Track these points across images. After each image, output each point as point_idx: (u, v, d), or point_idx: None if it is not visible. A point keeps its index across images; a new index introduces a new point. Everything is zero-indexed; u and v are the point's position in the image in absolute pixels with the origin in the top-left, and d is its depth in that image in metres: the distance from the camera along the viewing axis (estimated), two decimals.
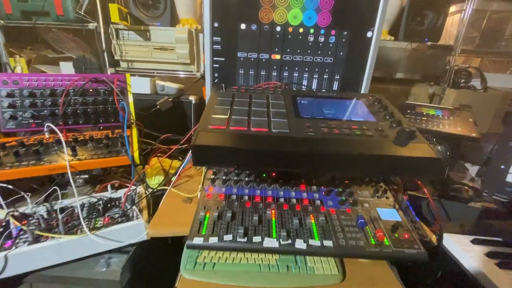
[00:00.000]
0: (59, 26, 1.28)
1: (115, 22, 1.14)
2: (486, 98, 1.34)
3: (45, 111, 0.81)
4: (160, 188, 0.78)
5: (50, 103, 0.81)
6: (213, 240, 0.52)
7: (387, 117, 0.59)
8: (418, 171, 0.49)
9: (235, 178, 0.67)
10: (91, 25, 1.24)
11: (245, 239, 0.53)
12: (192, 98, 1.18)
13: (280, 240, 0.53)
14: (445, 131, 0.95)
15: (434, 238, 0.64)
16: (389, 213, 0.62)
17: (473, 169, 1.11)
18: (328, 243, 0.53)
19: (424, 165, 0.48)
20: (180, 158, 0.99)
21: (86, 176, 0.97)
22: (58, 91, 0.82)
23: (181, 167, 0.76)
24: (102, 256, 0.69)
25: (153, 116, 1.12)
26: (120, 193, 0.79)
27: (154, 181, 0.89)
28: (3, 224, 0.65)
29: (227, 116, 0.54)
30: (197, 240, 0.52)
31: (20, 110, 0.78)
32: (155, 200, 0.79)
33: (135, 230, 0.69)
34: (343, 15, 0.76)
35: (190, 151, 0.45)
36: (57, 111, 0.81)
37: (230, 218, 0.56)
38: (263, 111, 0.57)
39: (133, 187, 0.78)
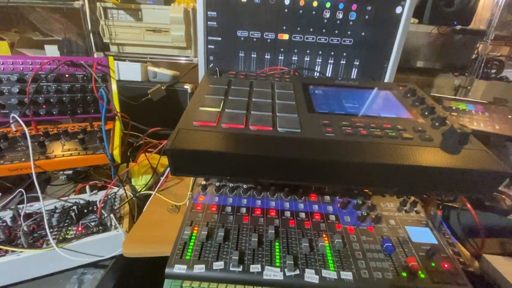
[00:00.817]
0: (42, 5, 1.15)
1: None
2: None
3: (13, 99, 0.69)
4: (145, 192, 0.67)
5: (18, 90, 0.69)
6: (199, 268, 0.41)
7: (426, 113, 0.46)
8: (474, 189, 0.36)
9: (231, 184, 0.55)
10: (76, 3, 1.10)
11: (240, 268, 0.41)
12: (187, 87, 1.05)
13: (286, 270, 0.41)
14: (480, 129, 0.81)
15: (476, 264, 0.52)
16: (421, 233, 0.50)
17: None
18: (347, 275, 0.41)
19: (484, 181, 0.35)
20: None
21: (70, 172, 0.86)
22: (27, 76, 0.70)
23: (168, 168, 0.64)
24: (75, 271, 0.59)
25: (145, 106, 1.00)
26: (101, 195, 0.68)
27: (142, 181, 0.78)
28: None
29: (219, 109, 0.42)
30: (179, 268, 0.41)
31: None
32: (142, 203, 0.68)
33: (113, 243, 0.58)
34: None
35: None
36: (26, 99, 0.69)
37: (222, 238, 0.44)
38: (266, 103, 0.44)
39: (112, 190, 0.67)
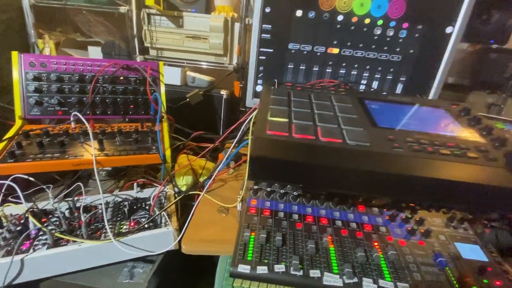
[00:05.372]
0: (90, 8, 1.22)
1: (149, 5, 1.06)
2: None
3: (73, 98, 0.74)
4: (192, 192, 0.70)
5: (78, 89, 0.74)
6: (262, 269, 0.43)
7: (484, 133, 0.47)
8: None
9: (282, 190, 0.58)
10: (123, 9, 1.16)
11: (301, 272, 0.43)
12: (223, 93, 1.09)
13: (344, 277, 0.43)
14: None
15: None
16: (471, 250, 0.51)
17: None
18: (404, 286, 0.43)
19: None
20: (208, 157, 0.90)
21: (109, 168, 0.90)
22: (87, 77, 0.75)
23: (217, 170, 0.67)
24: (125, 264, 0.62)
25: (181, 109, 1.04)
26: (146, 192, 0.71)
27: (182, 182, 0.81)
28: (22, 221, 0.59)
29: (287, 120, 0.44)
30: (243, 268, 0.43)
31: (46, 95, 0.72)
32: (182, 203, 0.71)
33: (164, 239, 0.61)
34: (419, 5, 0.63)
35: (249, 161, 0.35)
36: (84, 99, 0.74)
37: (281, 242, 0.46)
38: (330, 115, 0.47)
39: (155, 188, 0.70)
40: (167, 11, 1.14)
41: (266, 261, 0.44)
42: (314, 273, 0.43)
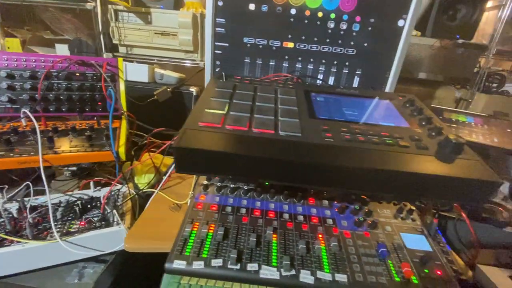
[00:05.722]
0: (56, 5, 1.19)
1: (114, 2, 1.04)
2: None
3: (24, 95, 0.72)
4: (147, 190, 0.68)
5: (29, 86, 0.72)
6: (198, 264, 0.42)
7: (423, 123, 0.47)
8: (466, 197, 0.38)
9: (232, 185, 0.57)
10: (89, 5, 1.14)
11: (238, 266, 0.42)
12: (193, 89, 1.08)
13: (282, 270, 0.42)
14: (478, 142, 0.82)
15: (470, 274, 0.52)
16: (416, 241, 0.51)
17: (503, 186, 0.99)
18: (342, 277, 0.42)
19: (477, 190, 0.36)
20: None
21: (74, 168, 0.88)
22: (39, 73, 0.72)
23: (172, 167, 0.66)
24: (75, 265, 0.60)
25: (150, 107, 1.02)
26: (105, 191, 0.70)
27: (144, 180, 0.79)
28: None
29: (224, 112, 0.44)
30: (178, 264, 0.42)
31: None
32: (143, 201, 0.70)
33: (114, 238, 0.59)
34: None
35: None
36: (37, 96, 0.72)
37: (222, 236, 0.46)
38: (269, 107, 0.46)
39: (117, 187, 0.69)
40: (134, 8, 1.12)
41: (204, 255, 0.44)
42: (252, 266, 0.43)
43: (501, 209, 0.78)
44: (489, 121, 0.89)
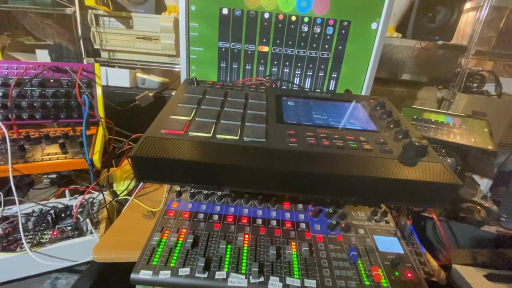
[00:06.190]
0: (34, 10, 1.17)
1: (92, 6, 1.03)
2: (501, 104, 1.22)
3: None
4: (124, 197, 0.67)
5: (1, 93, 0.70)
6: (165, 274, 0.41)
7: (392, 126, 0.47)
8: (428, 200, 0.38)
9: (206, 191, 0.56)
10: (68, 10, 1.12)
11: (206, 275, 0.42)
12: None
13: (250, 277, 0.42)
14: (456, 142, 0.83)
15: (443, 275, 0.53)
16: (388, 243, 0.51)
17: (482, 182, 1.00)
18: (311, 283, 0.42)
19: (438, 193, 0.36)
20: None
21: (54, 176, 0.86)
22: (11, 80, 0.71)
23: None
24: (48, 276, 0.59)
25: (133, 112, 1.01)
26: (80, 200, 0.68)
27: (123, 187, 0.78)
28: None
29: (189, 118, 0.43)
30: (144, 274, 0.41)
31: None
32: (122, 208, 0.68)
33: (88, 248, 0.58)
34: (343, 2, 0.64)
35: None
36: (9, 103, 0.70)
37: (191, 245, 0.45)
38: (237, 113, 0.46)
39: (92, 195, 0.67)
40: (115, 12, 1.11)
41: (172, 265, 0.43)
42: (220, 274, 0.42)
43: (479, 208, 0.79)
44: (467, 121, 0.90)
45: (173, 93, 1.07)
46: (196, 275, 0.42)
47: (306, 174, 0.36)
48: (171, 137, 0.38)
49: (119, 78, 1.06)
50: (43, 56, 1.21)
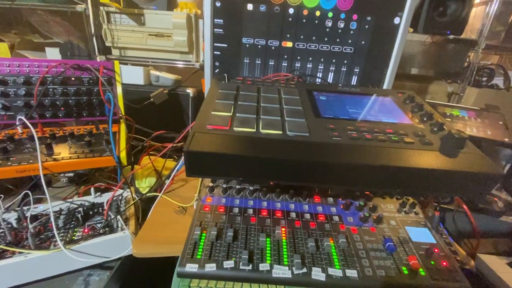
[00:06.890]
0: (45, 8, 1.16)
1: (105, 3, 1.02)
2: (510, 98, 1.24)
3: (18, 101, 0.70)
4: (150, 194, 0.68)
5: (24, 92, 0.70)
6: (211, 267, 0.42)
7: (425, 119, 0.48)
8: (470, 190, 0.39)
9: (237, 186, 0.57)
10: (79, 7, 1.11)
11: (250, 267, 0.43)
12: (189, 91, 1.07)
13: (294, 268, 0.43)
14: (473, 135, 0.84)
15: (472, 263, 0.54)
16: (420, 233, 0.52)
17: None
18: (352, 273, 0.43)
19: (480, 183, 0.37)
20: (176, 157, 0.88)
21: (71, 174, 0.86)
22: (33, 78, 0.71)
23: (175, 170, 0.65)
24: (81, 273, 0.59)
25: (146, 109, 1.01)
26: (106, 197, 0.69)
27: (145, 184, 0.79)
28: None
29: (231, 114, 0.44)
30: (190, 267, 0.42)
31: None
32: (145, 205, 0.69)
33: (120, 244, 0.59)
34: None
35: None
36: (32, 102, 0.70)
37: (231, 238, 0.46)
38: (275, 108, 0.46)
39: (119, 192, 0.68)
40: (127, 9, 1.10)
41: (215, 258, 0.44)
42: (264, 266, 0.43)
43: (496, 199, 0.81)
44: (481, 114, 0.91)
45: (187, 90, 1.07)
46: (241, 267, 0.42)
47: (353, 166, 0.37)
48: (218, 133, 0.39)
49: (133, 75, 1.05)
50: (53, 54, 1.20)
